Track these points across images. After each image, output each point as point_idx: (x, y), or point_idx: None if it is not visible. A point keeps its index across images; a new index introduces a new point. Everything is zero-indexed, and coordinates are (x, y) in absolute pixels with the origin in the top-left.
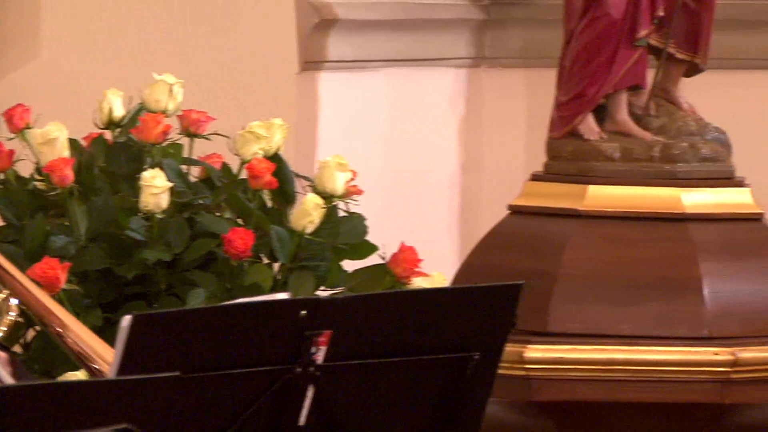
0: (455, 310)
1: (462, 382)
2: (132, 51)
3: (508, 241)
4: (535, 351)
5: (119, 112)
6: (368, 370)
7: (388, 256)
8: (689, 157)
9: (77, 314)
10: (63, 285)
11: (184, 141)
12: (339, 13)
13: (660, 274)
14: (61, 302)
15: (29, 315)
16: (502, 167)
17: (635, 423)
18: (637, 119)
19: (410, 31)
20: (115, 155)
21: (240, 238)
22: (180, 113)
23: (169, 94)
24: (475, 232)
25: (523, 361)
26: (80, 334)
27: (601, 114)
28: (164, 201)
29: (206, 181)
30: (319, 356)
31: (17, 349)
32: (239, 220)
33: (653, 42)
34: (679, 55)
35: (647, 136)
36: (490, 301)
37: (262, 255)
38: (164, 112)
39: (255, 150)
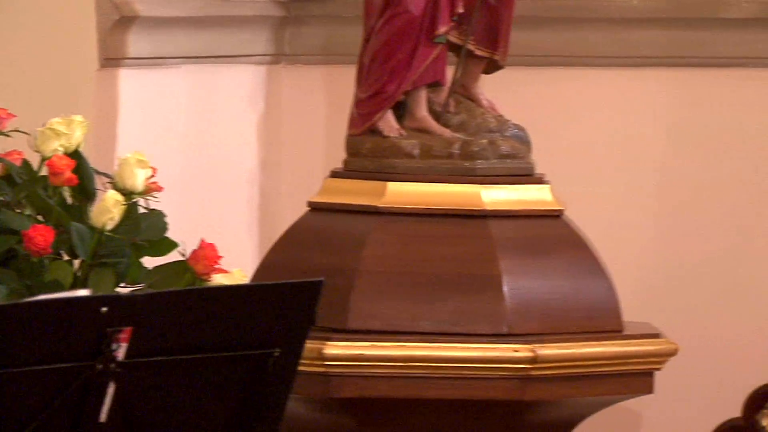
0: (256, 307)
1: (263, 378)
2: None
3: (307, 238)
4: (335, 348)
5: None
6: (169, 366)
7: (188, 253)
8: (489, 154)
9: None
10: None
11: None
12: (139, 9)
13: (460, 271)
14: None
15: None
16: (301, 164)
17: (435, 420)
18: (437, 116)
19: (210, 28)
20: None
21: (40, 235)
22: None
23: None
24: (275, 230)
25: (322, 357)
26: None
27: (401, 111)
28: None
29: (6, 178)
30: (120, 353)
31: None
32: (40, 217)
33: (453, 39)
34: (478, 52)
35: (447, 132)
36: (290, 298)
37: (62, 252)
38: None
39: (55, 147)
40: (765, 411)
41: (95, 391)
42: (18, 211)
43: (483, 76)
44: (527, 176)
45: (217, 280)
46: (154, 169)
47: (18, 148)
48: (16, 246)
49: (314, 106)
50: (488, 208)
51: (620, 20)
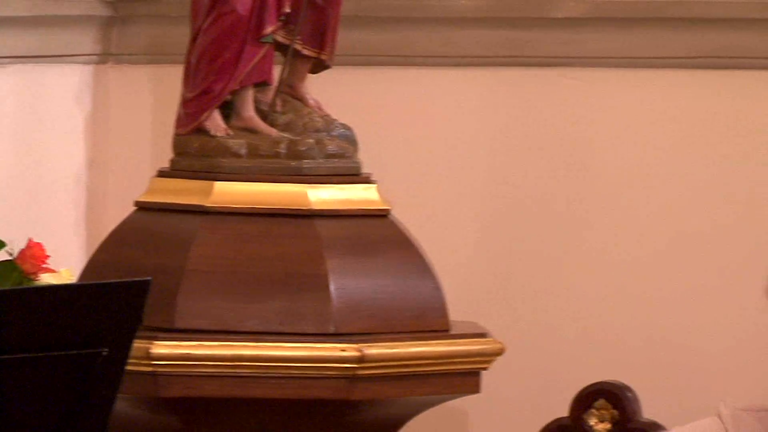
0: (83, 307)
1: (90, 378)
2: None
3: (134, 237)
4: (162, 347)
5: None
6: None
7: (15, 253)
8: (315, 154)
9: None
10: None
11: None
12: None
13: (287, 270)
14: None
15: None
16: (128, 164)
17: (263, 419)
18: (264, 116)
19: (37, 28)
20: None
21: None
22: None
23: None
24: (102, 229)
25: (149, 357)
26: None
27: (228, 111)
28: None
29: None
30: None
31: None
32: None
33: (280, 38)
34: (305, 52)
35: (273, 132)
36: (118, 297)
37: None
38: None
39: None
40: (592, 410)
41: None
42: None
43: (310, 75)
44: (354, 176)
45: (45, 279)
46: None
47: None
48: None
49: (141, 105)
50: (315, 207)
51: (447, 20)
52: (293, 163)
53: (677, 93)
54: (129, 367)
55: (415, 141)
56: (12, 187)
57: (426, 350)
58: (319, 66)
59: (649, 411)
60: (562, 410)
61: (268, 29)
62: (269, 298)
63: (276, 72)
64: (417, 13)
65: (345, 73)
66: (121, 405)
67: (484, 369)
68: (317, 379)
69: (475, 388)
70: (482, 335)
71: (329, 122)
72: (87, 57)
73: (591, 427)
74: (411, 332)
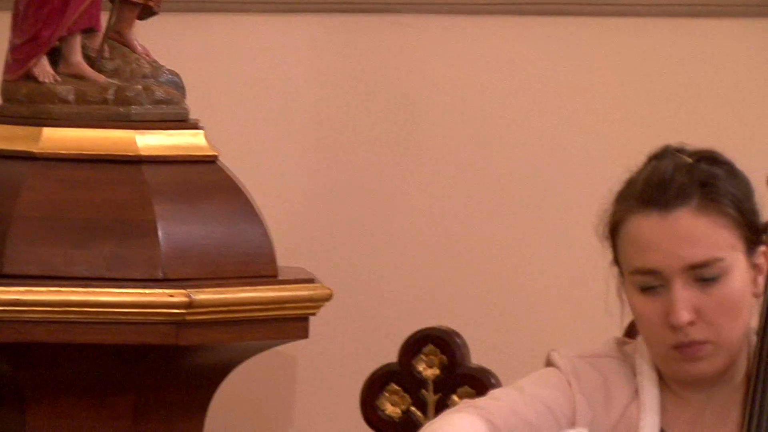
0: None
1: None
2: None
3: None
4: None
5: None
6: None
7: None
8: (143, 100)
9: None
10: None
11: None
12: None
13: (115, 216)
14: None
15: None
16: None
17: (91, 364)
18: (92, 62)
19: None
20: None
21: None
22: None
23: None
24: None
25: None
26: None
27: (56, 57)
28: None
29: None
30: None
31: None
32: None
33: None
34: None
35: (101, 78)
36: None
37: None
38: None
39: None
40: (421, 356)
41: None
42: None
43: (138, 22)
44: (182, 122)
45: None
46: None
47: None
48: None
49: None
50: (143, 153)
51: None
52: (121, 109)
53: (511, 39)
54: None
55: (243, 87)
56: None
57: (254, 296)
58: (146, 12)
59: (477, 357)
60: (391, 356)
61: None
62: (98, 243)
63: (104, 18)
64: None
65: (173, 19)
66: None
67: (313, 314)
68: (146, 324)
69: (303, 334)
70: (310, 281)
71: (157, 68)
72: None
73: (420, 372)
74: (239, 278)
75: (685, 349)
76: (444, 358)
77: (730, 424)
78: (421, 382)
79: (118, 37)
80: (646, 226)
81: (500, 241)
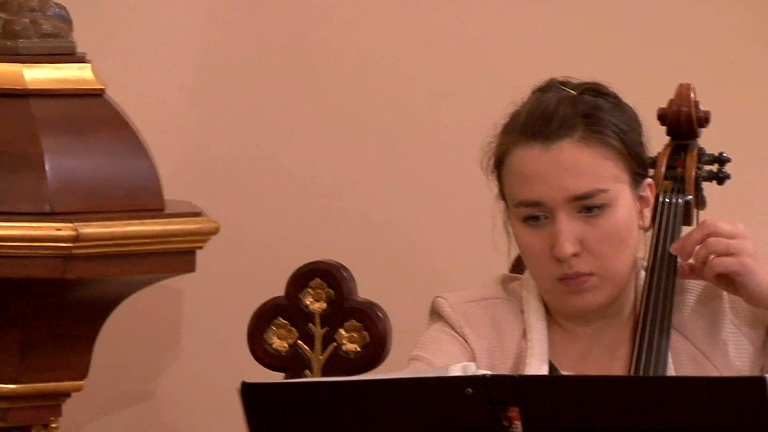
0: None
1: None
2: None
3: None
4: None
5: None
6: None
7: None
8: (31, 33)
9: None
10: None
11: None
12: None
13: (2, 150)
14: None
15: None
16: None
17: None
18: None
19: None
20: None
21: None
22: None
23: None
24: None
25: None
26: None
27: None
28: None
29: None
30: None
31: None
32: None
33: None
34: None
35: None
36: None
37: None
38: None
39: None
40: (308, 290)
41: None
42: None
43: None
44: (69, 55)
45: None
46: None
47: None
48: None
49: None
50: (30, 87)
51: None
52: (8, 43)
53: None
54: None
55: (130, 20)
56: None
57: (141, 229)
58: None
59: (364, 290)
60: (278, 290)
61: None
62: None
63: None
64: None
65: None
66: None
67: (199, 248)
68: (32, 258)
69: (190, 267)
70: (197, 214)
71: (44, 2)
72: None
73: (307, 306)
74: (126, 211)
75: (570, 281)
76: (331, 291)
77: (619, 358)
78: (308, 315)
79: None
80: (529, 158)
81: (387, 175)
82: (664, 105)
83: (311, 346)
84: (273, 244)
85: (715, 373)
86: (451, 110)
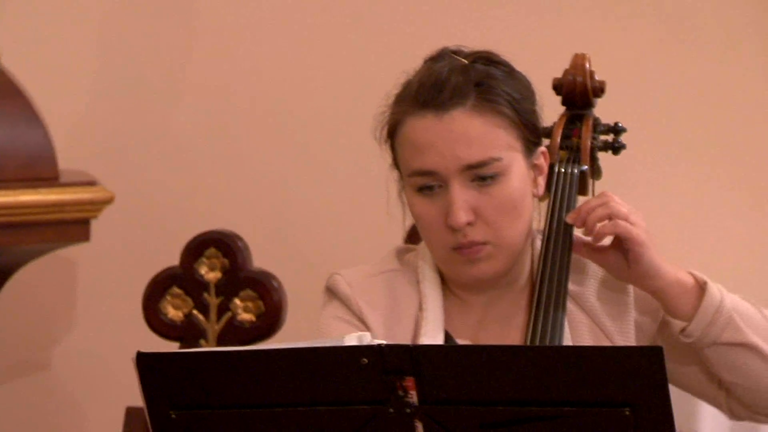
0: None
1: None
2: None
3: None
4: None
5: None
6: None
7: None
8: None
9: None
10: None
11: None
12: None
13: None
14: None
15: None
16: None
17: None
18: None
19: None
20: None
21: None
22: None
23: None
24: None
25: None
26: None
27: None
28: None
29: None
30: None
31: None
32: None
33: None
34: None
35: None
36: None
37: None
38: None
39: None
40: (203, 259)
41: None
42: None
43: None
44: None
45: None
46: None
47: None
48: None
49: None
50: None
51: None
52: None
53: None
54: None
55: None
56: None
57: (35, 198)
58: None
59: (259, 260)
60: (173, 259)
61: None
62: None
63: None
64: None
65: None
66: None
67: (94, 217)
68: None
69: (84, 237)
70: (92, 183)
71: None
72: None
73: (202, 276)
74: (20, 180)
75: (464, 250)
76: (226, 261)
77: (515, 327)
78: (203, 285)
79: None
80: (422, 127)
81: (282, 145)
82: (559, 75)
83: (206, 316)
84: (168, 213)
85: None
86: (343, 80)
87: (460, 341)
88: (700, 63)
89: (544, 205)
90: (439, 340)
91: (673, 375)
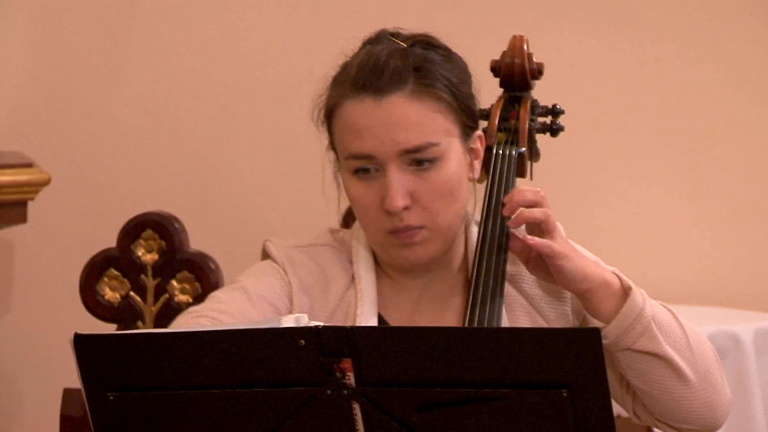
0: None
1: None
2: None
3: None
4: None
5: None
6: None
7: None
8: None
9: None
10: None
11: None
12: None
13: None
14: None
15: None
16: None
17: None
18: None
19: None
20: None
21: None
22: None
23: None
24: None
25: None
26: None
27: None
28: None
29: None
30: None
31: None
32: None
33: None
34: None
35: None
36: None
37: None
38: None
39: None
40: (140, 241)
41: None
42: None
43: None
44: None
45: None
46: None
47: None
48: None
49: None
50: None
51: None
52: None
53: None
54: None
55: None
56: None
57: None
58: None
59: (196, 242)
60: (110, 241)
61: None
62: None
63: None
64: None
65: None
66: None
67: (31, 199)
68: None
69: (21, 218)
70: (29, 165)
71: None
72: None
73: (139, 257)
74: None
75: (400, 234)
76: (163, 243)
77: (450, 310)
78: (140, 266)
79: None
80: (360, 111)
81: (219, 127)
82: (497, 57)
83: (143, 298)
84: (105, 195)
85: None
86: (281, 61)
87: (393, 324)
88: (638, 44)
89: (480, 188)
90: (373, 322)
91: None
